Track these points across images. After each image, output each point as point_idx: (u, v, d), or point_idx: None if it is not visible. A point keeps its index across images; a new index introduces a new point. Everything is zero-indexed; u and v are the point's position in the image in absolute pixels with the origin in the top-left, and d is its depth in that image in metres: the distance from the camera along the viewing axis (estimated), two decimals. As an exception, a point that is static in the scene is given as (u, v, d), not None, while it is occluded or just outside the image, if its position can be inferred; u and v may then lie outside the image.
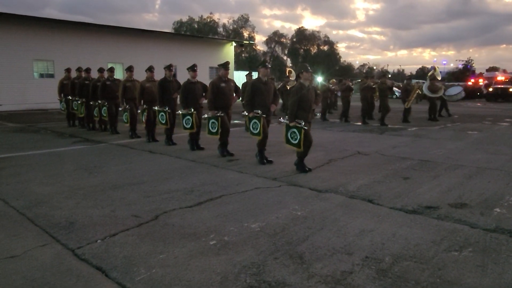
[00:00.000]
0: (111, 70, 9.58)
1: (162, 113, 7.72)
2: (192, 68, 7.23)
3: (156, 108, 7.80)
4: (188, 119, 7.08)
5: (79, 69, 10.72)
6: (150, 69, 8.31)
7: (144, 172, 5.49)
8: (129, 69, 8.93)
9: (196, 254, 2.86)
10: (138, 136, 8.79)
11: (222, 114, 6.58)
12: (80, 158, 6.50)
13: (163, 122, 7.74)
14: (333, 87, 14.55)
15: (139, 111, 8.38)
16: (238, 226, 3.39)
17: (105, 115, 9.41)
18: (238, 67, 33.98)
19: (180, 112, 7.23)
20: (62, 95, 10.93)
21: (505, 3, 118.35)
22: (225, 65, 6.76)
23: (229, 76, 6.98)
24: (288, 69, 15.62)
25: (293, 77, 14.01)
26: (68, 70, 11.03)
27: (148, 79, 8.21)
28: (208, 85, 6.88)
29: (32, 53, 17.82)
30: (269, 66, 6.36)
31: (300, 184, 4.82)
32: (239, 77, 26.31)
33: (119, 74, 9.95)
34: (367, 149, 7.42)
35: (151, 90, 8.07)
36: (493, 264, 2.69)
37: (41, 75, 18.64)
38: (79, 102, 10.24)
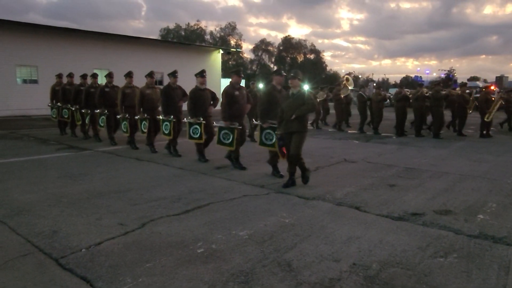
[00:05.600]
0: (110, 75, 8.75)
1: (167, 123, 7.18)
2: (201, 74, 6.77)
3: (160, 117, 7.31)
4: (196, 128, 6.61)
5: (70, 75, 10.22)
6: (151, 75, 7.71)
7: (131, 179, 5.42)
8: (129, 75, 8.16)
9: (183, 262, 2.82)
10: (137, 148, 8.16)
11: (240, 127, 6.11)
12: (64, 166, 6.38)
13: (167, 132, 7.22)
14: (390, 96, 12.64)
15: (136, 117, 7.76)
16: (226, 234, 3.37)
17: (102, 124, 8.72)
18: (225, 75, 34.01)
19: (187, 120, 6.73)
20: (54, 101, 10.41)
21: (484, 15, 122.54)
22: (238, 72, 6.40)
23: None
24: (346, 76, 14.42)
25: (350, 85, 12.86)
26: (59, 76, 10.55)
27: (148, 85, 7.67)
28: (221, 92, 6.38)
29: (15, 59, 17.49)
30: (284, 74, 5.85)
31: (288, 191, 4.83)
32: (226, 84, 26.31)
33: (104, 80, 9.65)
34: (354, 156, 7.49)
35: (152, 98, 7.58)
36: (477, 270, 2.74)
37: (24, 81, 18.31)
38: (73, 109, 9.69)
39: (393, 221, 3.75)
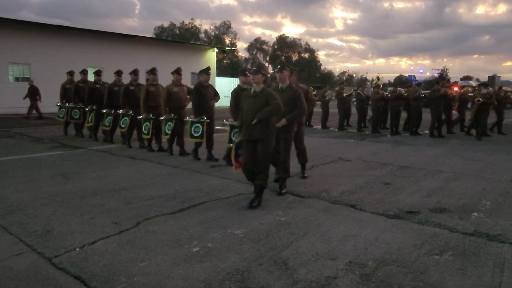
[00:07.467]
0: (135, 73, 7.99)
1: (198, 124, 6.45)
2: (243, 73, 6.07)
3: (188, 118, 6.66)
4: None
5: (83, 72, 9.55)
6: (178, 72, 7.12)
7: (125, 178, 5.38)
8: (152, 72, 7.55)
9: (179, 261, 2.80)
10: (165, 150, 7.45)
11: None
12: (58, 164, 6.32)
13: (198, 135, 6.47)
14: (388, 95, 11.96)
15: (162, 118, 7.16)
16: (221, 233, 3.36)
17: (123, 126, 7.96)
18: (220, 73, 33.95)
19: (227, 122, 6.04)
20: (63, 100, 9.71)
21: (476, 15, 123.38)
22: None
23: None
24: (376, 75, 15.32)
25: (380, 83, 13.45)
26: (71, 73, 9.90)
27: (175, 83, 7.08)
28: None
29: (7, 56, 17.27)
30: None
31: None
32: (221, 83, 26.30)
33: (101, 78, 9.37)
34: (349, 155, 7.51)
35: (179, 96, 7.00)
36: (472, 267, 2.75)
37: (17, 79, 18.09)
38: (86, 109, 9.00)
39: (388, 219, 3.76)
